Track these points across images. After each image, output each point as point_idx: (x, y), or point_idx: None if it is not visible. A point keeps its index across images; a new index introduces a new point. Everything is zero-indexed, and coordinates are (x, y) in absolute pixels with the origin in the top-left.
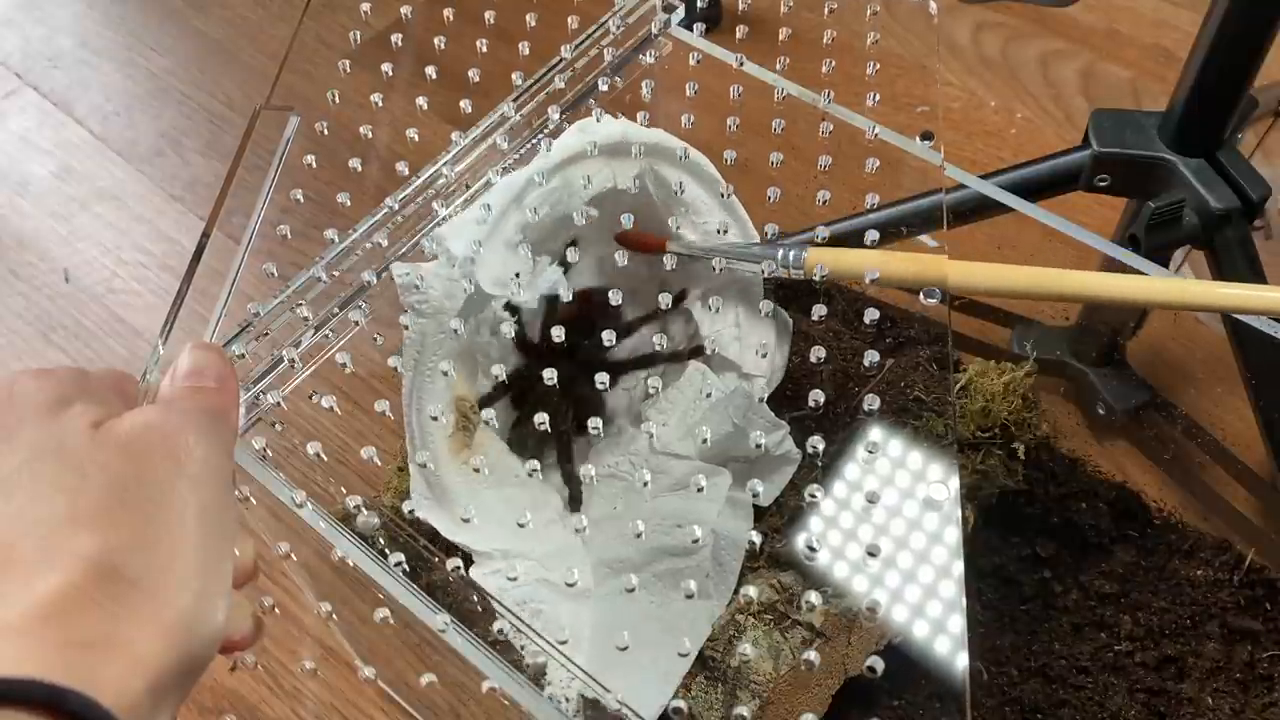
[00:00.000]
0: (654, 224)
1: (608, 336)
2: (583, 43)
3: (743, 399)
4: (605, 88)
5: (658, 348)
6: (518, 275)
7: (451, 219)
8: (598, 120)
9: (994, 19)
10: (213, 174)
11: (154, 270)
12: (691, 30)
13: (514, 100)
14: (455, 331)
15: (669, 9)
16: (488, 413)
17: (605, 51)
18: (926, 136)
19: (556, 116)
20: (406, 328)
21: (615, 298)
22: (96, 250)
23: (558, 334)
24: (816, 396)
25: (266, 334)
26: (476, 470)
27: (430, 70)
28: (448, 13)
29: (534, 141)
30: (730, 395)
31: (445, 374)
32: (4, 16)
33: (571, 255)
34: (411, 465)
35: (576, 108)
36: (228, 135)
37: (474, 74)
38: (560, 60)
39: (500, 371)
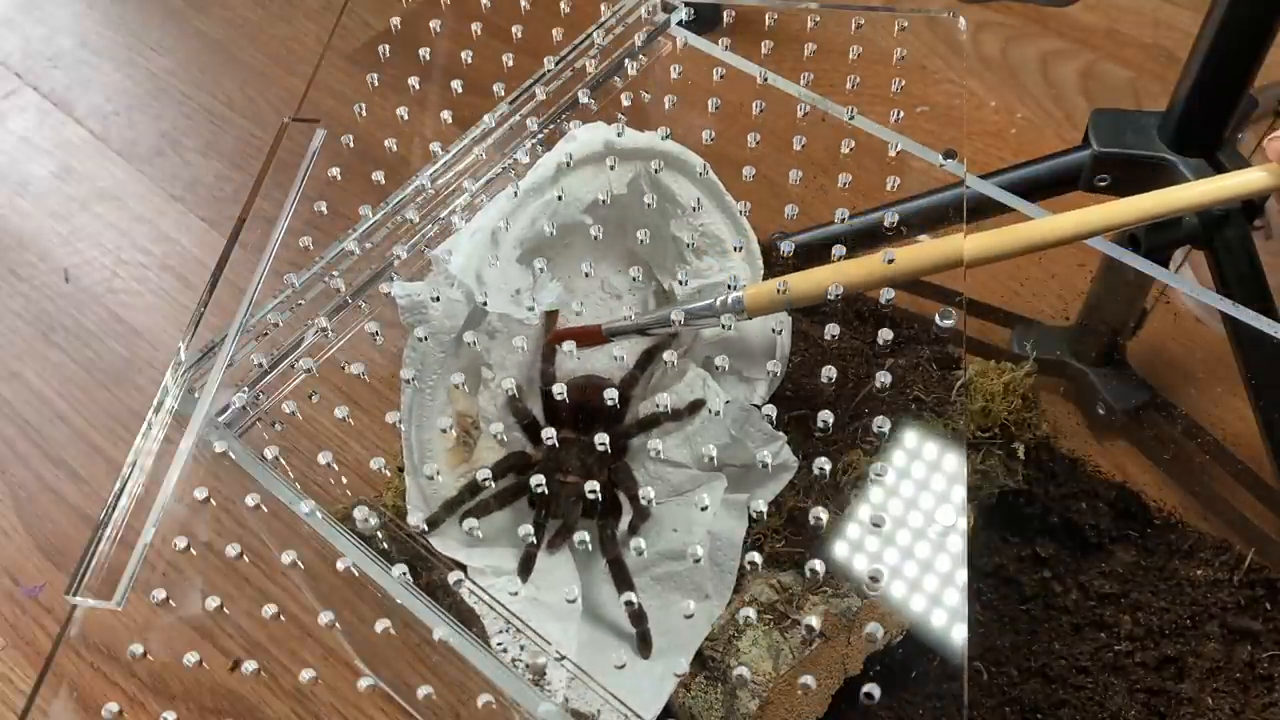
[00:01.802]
0: (650, 227)
1: (610, 395)
2: (580, 43)
3: (740, 411)
4: (602, 88)
5: (659, 408)
6: (519, 291)
7: (451, 235)
8: (578, 130)
9: (994, 19)
10: (212, 174)
11: (154, 270)
12: (691, 30)
13: (511, 102)
14: (456, 350)
15: (669, 9)
16: (495, 426)
17: (602, 51)
18: (950, 155)
19: (536, 124)
20: (413, 348)
21: (610, 394)
22: (96, 250)
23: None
24: (826, 418)
25: (266, 334)
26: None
27: (428, 68)
28: (446, 11)
29: (531, 143)
30: (728, 407)
31: (446, 391)
32: (4, 16)
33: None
34: (408, 478)
35: (571, 109)
36: (228, 135)
37: (465, 70)
38: (557, 61)
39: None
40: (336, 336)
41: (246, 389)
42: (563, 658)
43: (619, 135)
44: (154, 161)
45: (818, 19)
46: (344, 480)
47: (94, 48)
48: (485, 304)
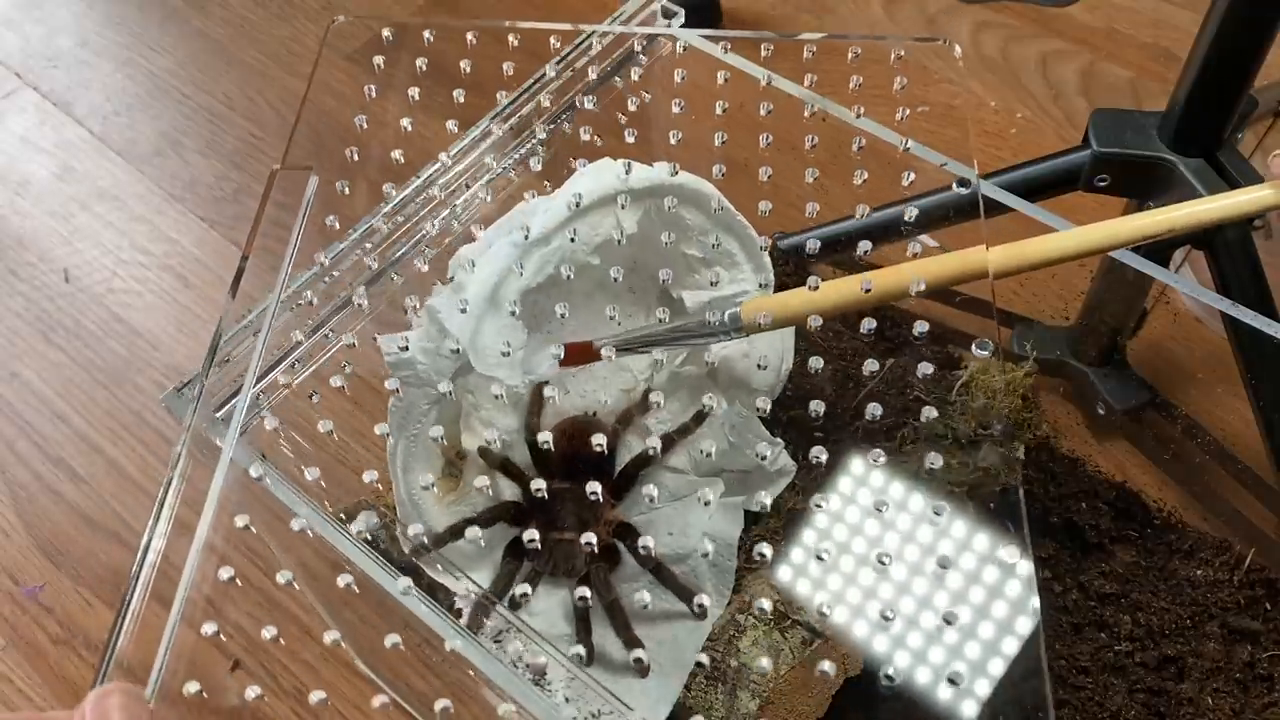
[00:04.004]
0: (659, 263)
1: (596, 443)
2: (581, 44)
3: (739, 418)
4: (603, 90)
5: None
6: (509, 347)
7: (449, 239)
8: (583, 170)
9: (994, 19)
10: (213, 174)
11: (154, 270)
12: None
13: (512, 104)
14: (442, 399)
15: (669, 14)
16: (497, 431)
17: (603, 53)
18: (963, 184)
19: (545, 127)
20: (394, 406)
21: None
22: (96, 250)
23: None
24: (817, 407)
25: (266, 335)
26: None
27: (428, 70)
28: (447, 13)
29: (531, 143)
30: (726, 413)
31: (433, 438)
32: (4, 16)
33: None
34: (399, 507)
35: (571, 112)
36: (228, 135)
37: (466, 72)
38: (558, 62)
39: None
40: (337, 337)
41: (265, 399)
42: (576, 668)
43: (627, 173)
44: (154, 161)
45: (814, 49)
46: (344, 479)
47: (94, 48)
48: (477, 366)
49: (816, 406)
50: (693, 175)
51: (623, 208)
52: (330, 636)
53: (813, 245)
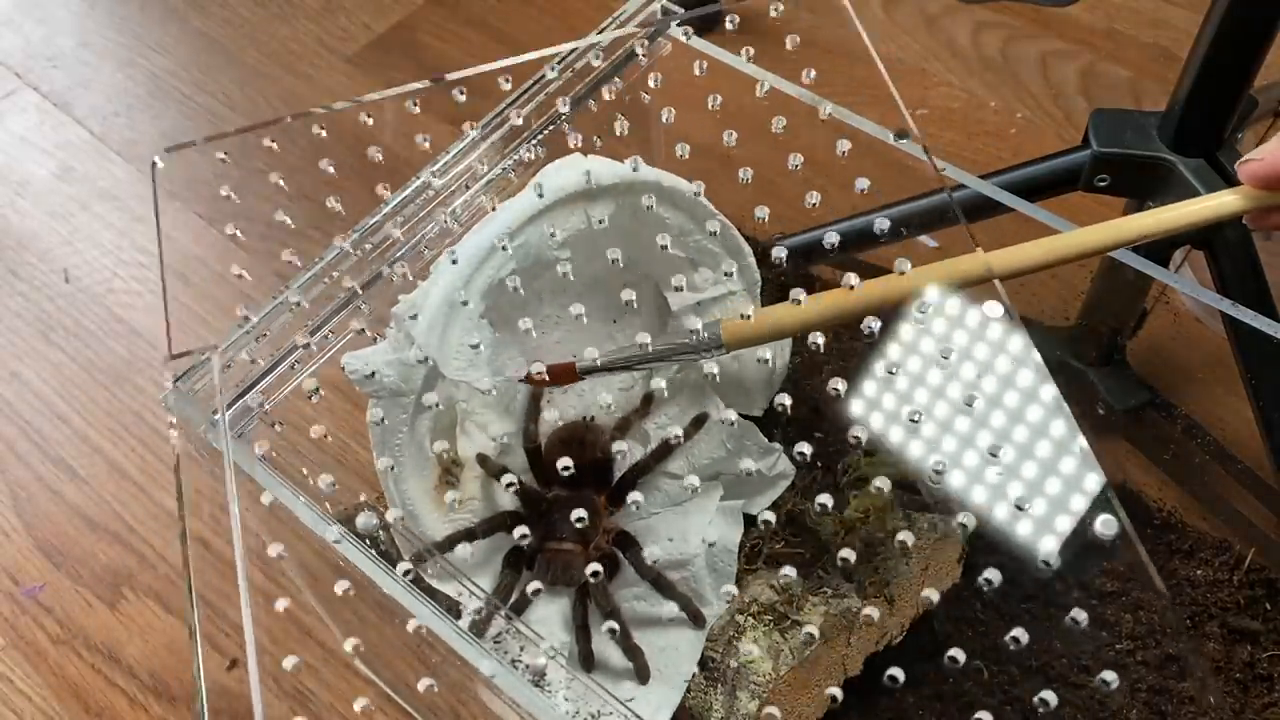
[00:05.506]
0: (639, 258)
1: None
2: (581, 45)
3: (737, 423)
4: (602, 90)
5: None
6: (474, 349)
7: (412, 290)
8: (549, 169)
9: (994, 19)
10: (212, 173)
11: (154, 270)
12: (694, 32)
13: (511, 104)
14: (420, 402)
15: (669, 11)
16: (493, 434)
17: (603, 52)
18: (901, 135)
19: (537, 126)
20: (372, 424)
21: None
22: (96, 250)
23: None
24: (783, 400)
25: (265, 335)
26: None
27: (428, 71)
28: (446, 14)
29: (532, 143)
30: (724, 418)
31: (419, 446)
32: (4, 16)
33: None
34: (391, 511)
35: (572, 110)
36: None
37: (466, 74)
38: (558, 63)
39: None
40: (336, 338)
41: (245, 389)
42: (584, 676)
43: (593, 169)
44: None
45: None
46: (344, 480)
47: (94, 48)
48: (445, 371)
49: (782, 400)
50: (668, 173)
51: (591, 201)
52: (350, 643)
53: (827, 240)
